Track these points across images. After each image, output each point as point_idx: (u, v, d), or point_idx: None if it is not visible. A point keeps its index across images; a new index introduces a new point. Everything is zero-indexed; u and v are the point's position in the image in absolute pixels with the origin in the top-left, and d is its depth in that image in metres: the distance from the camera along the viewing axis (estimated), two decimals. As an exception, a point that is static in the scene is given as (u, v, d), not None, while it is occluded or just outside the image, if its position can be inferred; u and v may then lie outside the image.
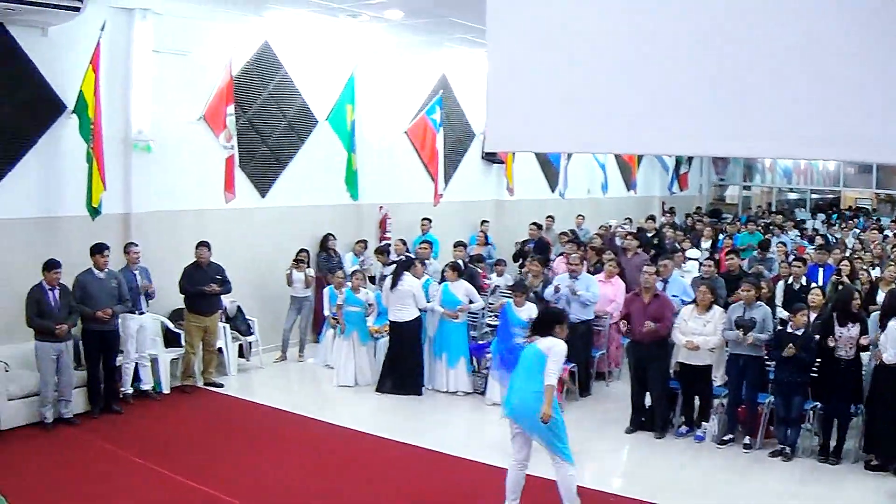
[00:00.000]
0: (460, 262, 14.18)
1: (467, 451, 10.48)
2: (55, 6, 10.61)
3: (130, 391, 12.04)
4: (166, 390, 12.55)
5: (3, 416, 10.61)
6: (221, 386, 13.03)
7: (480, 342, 13.31)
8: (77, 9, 10.83)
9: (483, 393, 12.69)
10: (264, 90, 14.97)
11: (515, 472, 8.29)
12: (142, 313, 12.12)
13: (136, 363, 12.12)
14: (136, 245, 12.22)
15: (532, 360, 8.15)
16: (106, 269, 11.48)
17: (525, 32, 4.66)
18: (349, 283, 13.51)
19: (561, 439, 8.08)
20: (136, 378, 12.19)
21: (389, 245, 16.01)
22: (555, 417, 7.93)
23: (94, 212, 11.72)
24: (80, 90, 11.60)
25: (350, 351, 13.21)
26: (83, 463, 9.87)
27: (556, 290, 12.72)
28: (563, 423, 8.18)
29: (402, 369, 12.87)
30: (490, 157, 20.29)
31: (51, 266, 10.81)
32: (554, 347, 8.06)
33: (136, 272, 12.09)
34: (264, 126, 14.99)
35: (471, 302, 12.99)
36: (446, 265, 13.64)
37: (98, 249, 11.40)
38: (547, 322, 8.44)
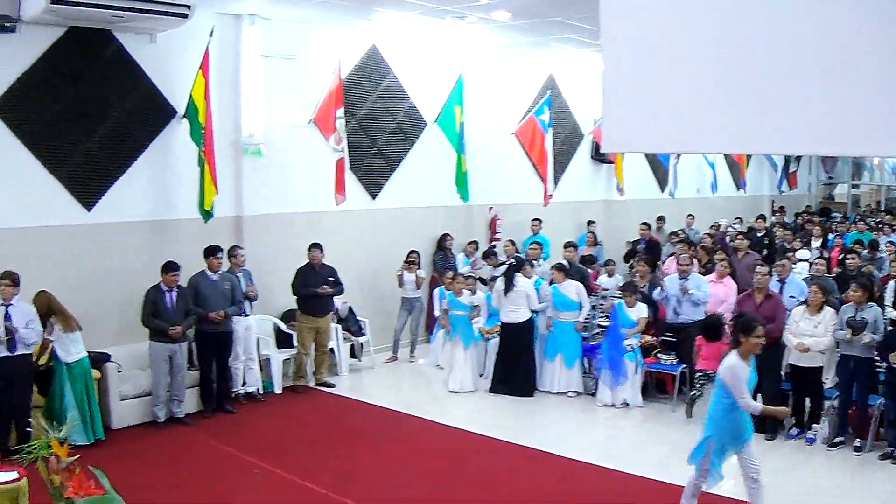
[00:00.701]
0: (565, 262, 13.71)
1: (581, 452, 9.99)
2: (164, 13, 10.57)
3: (242, 392, 11.92)
4: (278, 390, 12.39)
5: (116, 416, 10.66)
6: (333, 386, 12.81)
7: (591, 343, 12.80)
8: (185, 15, 10.77)
9: (594, 394, 12.24)
10: (373, 93, 14.69)
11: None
12: (246, 315, 11.94)
13: (244, 365, 11.98)
14: (241, 248, 12.08)
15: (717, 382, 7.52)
16: (219, 272, 11.38)
17: (638, 35, 4.47)
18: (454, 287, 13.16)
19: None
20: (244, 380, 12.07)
21: (495, 248, 15.70)
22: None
23: (207, 215, 11.65)
24: (191, 95, 11.52)
25: (458, 355, 12.76)
26: (195, 461, 9.80)
27: (661, 288, 12.31)
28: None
29: (516, 371, 12.45)
30: (599, 158, 19.67)
31: (170, 268, 10.77)
32: (725, 371, 7.35)
33: (240, 275, 11.91)
34: (374, 129, 14.71)
35: (580, 304, 12.55)
36: (552, 266, 13.22)
37: (212, 251, 11.33)
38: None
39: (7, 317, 9.31)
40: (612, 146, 4.88)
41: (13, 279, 9.45)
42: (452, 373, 12.76)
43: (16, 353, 9.35)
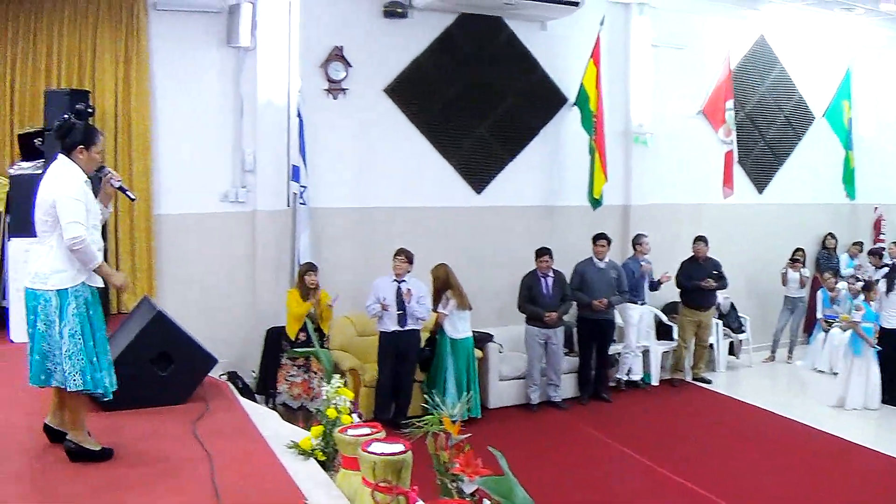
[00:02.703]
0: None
1: None
2: (555, 1, 10.30)
3: (624, 379, 11.23)
4: (655, 382, 11.53)
5: (493, 395, 10.40)
6: (709, 382, 11.76)
7: None
8: (576, 3, 10.44)
9: None
10: (761, 85, 13.37)
11: None
12: (643, 303, 11.22)
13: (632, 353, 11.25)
14: (646, 236, 11.37)
15: None
16: (606, 260, 10.66)
17: None
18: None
19: None
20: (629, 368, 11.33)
21: (883, 248, 13.91)
22: None
23: (596, 202, 11.11)
24: (582, 83, 11.04)
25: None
26: (567, 446, 9.32)
27: None
28: None
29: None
30: None
31: (540, 253, 10.28)
32: None
33: (643, 262, 11.20)
34: (762, 121, 13.42)
35: None
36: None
37: (599, 239, 10.67)
38: None
39: (399, 293, 9.23)
40: None
41: (408, 257, 9.36)
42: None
43: (406, 328, 9.29)
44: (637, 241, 11.32)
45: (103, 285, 4.87)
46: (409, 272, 9.37)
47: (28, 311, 4.68)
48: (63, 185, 4.60)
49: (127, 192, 5.04)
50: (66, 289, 4.60)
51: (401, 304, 9.28)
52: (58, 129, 4.87)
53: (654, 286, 11.35)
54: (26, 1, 8.90)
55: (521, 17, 10.89)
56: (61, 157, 4.74)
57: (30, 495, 4.35)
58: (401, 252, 9.36)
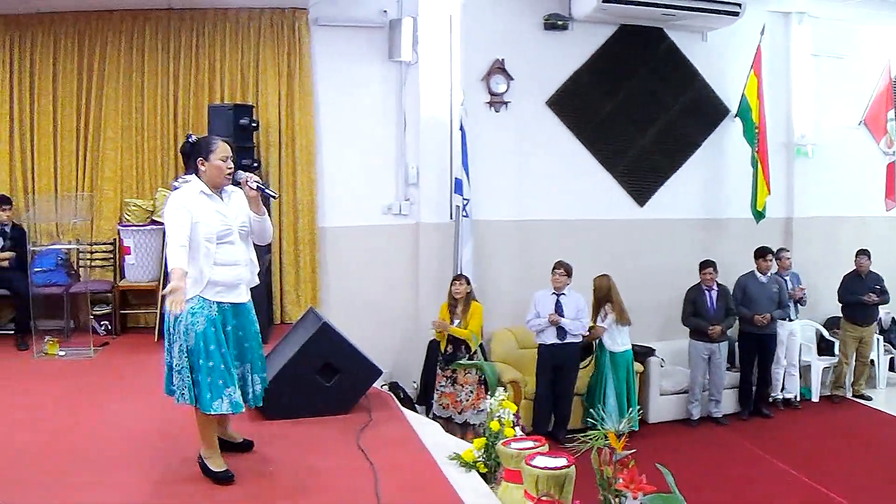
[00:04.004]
0: None
1: None
2: (715, 11, 9.96)
3: (780, 397, 10.66)
4: (815, 398, 10.93)
5: (653, 410, 10.07)
6: (870, 399, 11.06)
7: None
8: (736, 13, 10.05)
9: None
10: (924, 94, 12.63)
11: None
12: (791, 320, 10.62)
13: (784, 370, 10.67)
14: (788, 251, 10.80)
15: None
16: (768, 274, 10.21)
17: None
18: None
19: None
20: (783, 385, 10.77)
21: None
22: None
23: (759, 215, 10.64)
24: (743, 94, 10.61)
25: None
26: (727, 462, 8.88)
27: None
28: None
29: None
30: None
31: (704, 266, 9.92)
32: None
33: (788, 278, 10.63)
34: (924, 131, 12.67)
35: None
36: None
37: (762, 253, 10.20)
38: None
39: (558, 306, 8.95)
40: None
41: (566, 270, 9.07)
42: None
43: (565, 342, 8.98)
44: (778, 255, 10.73)
45: (246, 299, 4.69)
46: (567, 285, 9.08)
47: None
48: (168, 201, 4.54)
49: (266, 191, 4.71)
50: None
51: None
52: (181, 154, 4.72)
53: (801, 302, 10.76)
54: (188, 18, 9.08)
55: (681, 27, 10.54)
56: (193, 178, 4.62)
57: (193, 495, 4.44)
58: (559, 265, 9.09)
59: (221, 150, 4.57)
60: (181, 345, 4.38)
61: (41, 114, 8.92)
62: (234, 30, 9.14)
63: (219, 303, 4.50)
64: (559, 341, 8.97)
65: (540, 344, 9.11)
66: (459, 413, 8.22)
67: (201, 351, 4.38)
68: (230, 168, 4.60)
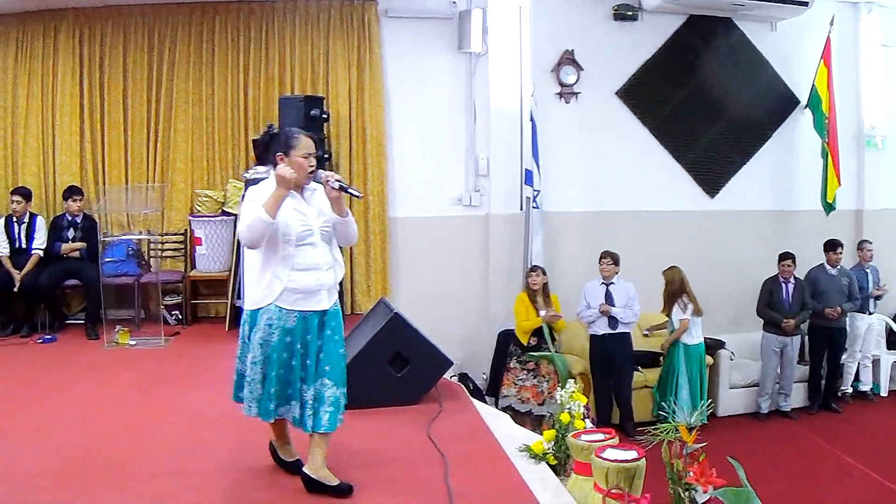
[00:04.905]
0: None
1: None
2: (785, 1, 9.84)
3: (850, 391, 10.41)
4: (884, 393, 10.64)
5: (722, 403, 9.82)
6: (935, 394, 10.81)
7: None
8: (805, 3, 9.89)
9: None
10: None
11: None
12: (870, 314, 10.36)
13: (859, 363, 10.42)
14: (870, 243, 10.51)
15: None
16: (838, 266, 9.96)
17: None
18: None
19: None
20: (857, 378, 10.50)
21: None
22: None
23: (829, 207, 10.38)
24: (814, 85, 10.36)
25: None
26: (796, 457, 8.63)
27: None
28: None
29: None
30: None
31: (783, 257, 9.68)
32: None
33: (868, 271, 10.37)
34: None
35: None
36: None
37: (832, 246, 9.95)
38: None
39: (608, 296, 8.83)
40: None
41: (614, 259, 8.93)
42: None
43: (617, 331, 8.86)
44: (860, 247, 10.50)
45: (328, 306, 4.25)
46: (616, 273, 8.92)
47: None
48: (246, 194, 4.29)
49: (350, 191, 4.24)
50: (255, 310, 4.15)
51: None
52: (257, 147, 4.46)
53: (878, 297, 10.52)
54: (257, 10, 9.05)
55: (750, 17, 10.33)
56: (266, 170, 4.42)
57: (267, 488, 4.40)
58: (606, 254, 8.93)
59: (304, 145, 4.18)
60: (254, 357, 4.12)
61: (111, 106, 8.96)
62: (304, 21, 9.10)
63: (299, 311, 4.15)
64: (611, 331, 8.84)
65: (592, 335, 8.99)
66: (540, 405, 8.15)
67: (273, 363, 4.11)
68: (312, 165, 4.21)
